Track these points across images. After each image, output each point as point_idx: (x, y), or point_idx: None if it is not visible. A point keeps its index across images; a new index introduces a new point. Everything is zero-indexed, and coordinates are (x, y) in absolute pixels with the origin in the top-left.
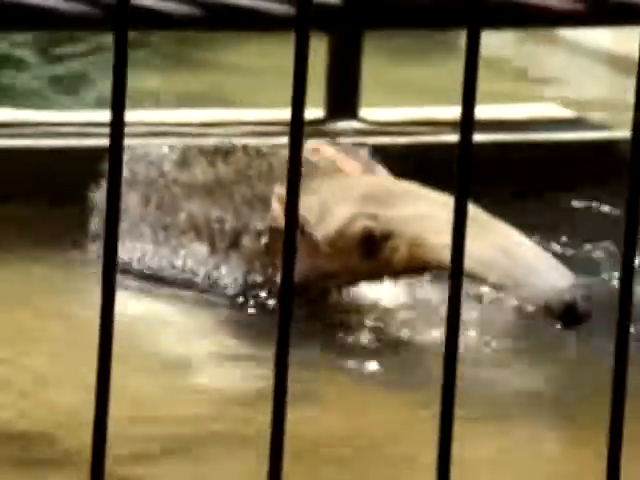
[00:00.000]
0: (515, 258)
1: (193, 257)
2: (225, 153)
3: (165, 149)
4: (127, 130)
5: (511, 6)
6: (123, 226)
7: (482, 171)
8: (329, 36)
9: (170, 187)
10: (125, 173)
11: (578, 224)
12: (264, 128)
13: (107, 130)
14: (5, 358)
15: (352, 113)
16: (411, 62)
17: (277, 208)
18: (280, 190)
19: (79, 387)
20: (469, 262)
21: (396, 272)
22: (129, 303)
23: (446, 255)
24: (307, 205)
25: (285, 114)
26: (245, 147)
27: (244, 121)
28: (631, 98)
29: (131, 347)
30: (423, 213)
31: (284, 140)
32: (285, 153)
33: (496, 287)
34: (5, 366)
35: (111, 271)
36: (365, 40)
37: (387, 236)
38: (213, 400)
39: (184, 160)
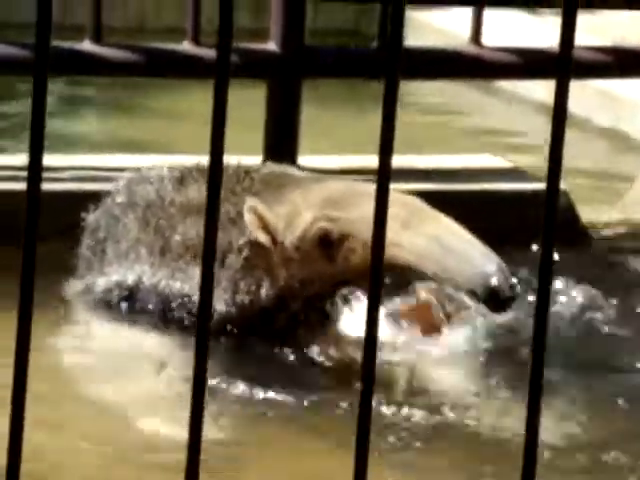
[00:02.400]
0: (447, 247)
1: (188, 280)
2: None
3: (165, 170)
4: (58, 175)
5: (447, 56)
6: (122, 247)
7: None
8: (268, 83)
9: (166, 209)
10: (124, 196)
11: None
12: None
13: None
14: None
15: (291, 160)
16: (348, 111)
17: (250, 219)
18: (252, 202)
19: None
20: (405, 254)
21: (358, 275)
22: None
23: (394, 253)
24: (278, 214)
25: (223, 159)
26: (237, 166)
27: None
28: (567, 149)
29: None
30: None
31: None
32: (266, 170)
33: (432, 277)
34: None
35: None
36: (305, 87)
37: (344, 238)
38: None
39: (181, 180)
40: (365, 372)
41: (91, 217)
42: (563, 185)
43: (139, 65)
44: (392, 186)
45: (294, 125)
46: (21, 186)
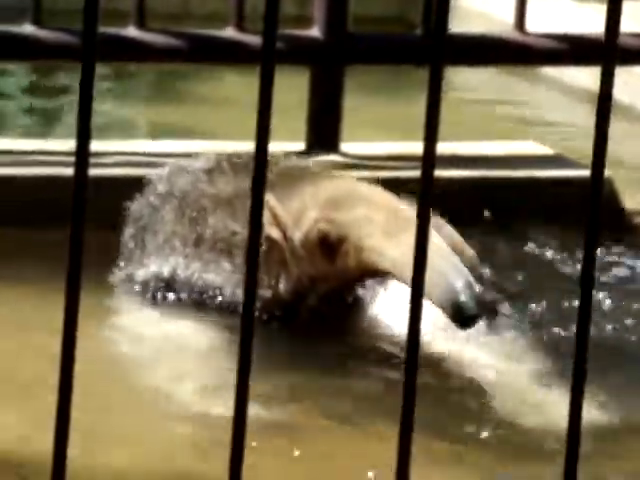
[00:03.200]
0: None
1: (220, 272)
2: (246, 164)
3: (201, 161)
4: (105, 160)
5: (491, 43)
6: (159, 238)
7: (463, 206)
8: (312, 70)
9: (199, 200)
10: (163, 186)
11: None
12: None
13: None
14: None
15: (333, 146)
16: (393, 97)
17: (266, 216)
18: (265, 197)
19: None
20: (386, 262)
21: (357, 276)
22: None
23: (375, 259)
24: (289, 209)
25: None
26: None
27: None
28: (611, 136)
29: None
30: (365, 216)
31: None
32: (285, 163)
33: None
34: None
35: (74, 305)
36: (348, 75)
37: (342, 239)
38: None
39: (212, 171)
40: (409, 360)
41: (134, 206)
42: (607, 172)
43: (183, 51)
44: (436, 172)
45: (337, 111)
46: (68, 172)
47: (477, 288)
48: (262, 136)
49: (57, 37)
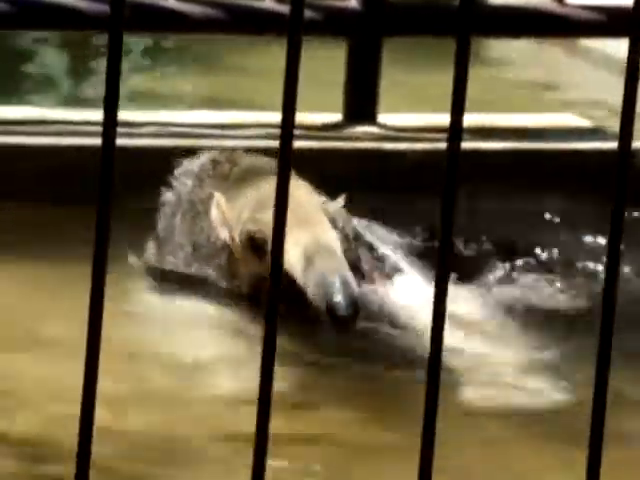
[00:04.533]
0: (310, 259)
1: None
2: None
3: (200, 160)
4: (147, 130)
5: (528, 14)
6: (175, 232)
7: (498, 178)
8: (349, 41)
9: (194, 203)
10: (181, 181)
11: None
12: (276, 131)
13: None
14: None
15: (370, 118)
16: (431, 69)
17: (214, 214)
18: (217, 196)
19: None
20: (285, 260)
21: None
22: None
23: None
24: (233, 210)
25: (301, 117)
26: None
27: (263, 123)
28: None
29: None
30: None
31: (299, 143)
32: (246, 162)
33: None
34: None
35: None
36: (385, 46)
37: (266, 239)
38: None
39: (200, 176)
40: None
41: (167, 194)
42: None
43: (221, 22)
44: (464, 145)
45: (374, 83)
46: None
47: (355, 289)
48: (289, 108)
49: (87, 6)
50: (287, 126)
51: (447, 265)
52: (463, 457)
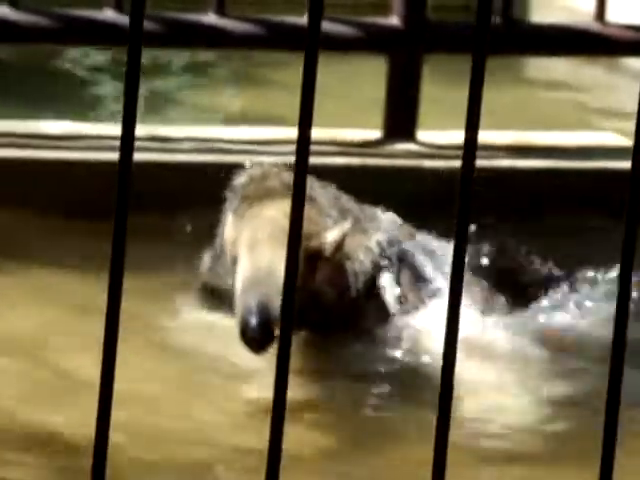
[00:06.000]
0: (243, 279)
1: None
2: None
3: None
4: (181, 146)
5: (571, 33)
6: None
7: (536, 196)
8: (389, 58)
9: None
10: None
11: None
12: (318, 147)
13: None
14: None
15: (409, 135)
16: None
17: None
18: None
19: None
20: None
21: None
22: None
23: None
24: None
25: (340, 134)
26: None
27: (293, 140)
28: None
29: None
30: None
31: (337, 160)
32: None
33: None
34: None
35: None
36: (425, 63)
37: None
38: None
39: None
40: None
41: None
42: None
43: (262, 38)
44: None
45: (414, 100)
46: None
47: (274, 312)
48: (305, 123)
49: (106, 18)
50: (303, 141)
51: (459, 290)
52: None
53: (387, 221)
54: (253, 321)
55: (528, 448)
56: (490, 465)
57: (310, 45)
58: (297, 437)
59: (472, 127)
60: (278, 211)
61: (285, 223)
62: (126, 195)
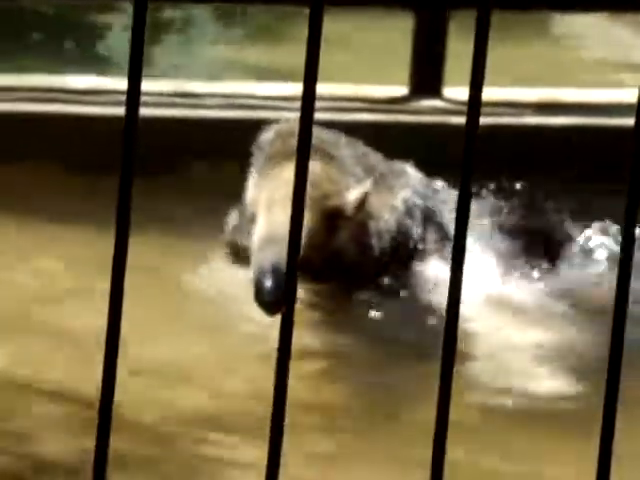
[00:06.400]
0: (259, 239)
1: None
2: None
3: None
4: (202, 101)
5: None
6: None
7: (560, 153)
8: (416, 14)
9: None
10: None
11: None
12: (345, 104)
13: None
14: None
15: (436, 92)
16: (497, 43)
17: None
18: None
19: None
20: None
21: None
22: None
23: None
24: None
25: (367, 90)
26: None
27: (321, 96)
28: None
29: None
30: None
31: (364, 116)
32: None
33: None
34: None
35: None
36: (451, 19)
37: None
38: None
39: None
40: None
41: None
42: None
43: None
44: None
45: (440, 56)
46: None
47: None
48: (310, 78)
49: None
50: (308, 97)
51: (463, 247)
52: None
53: (414, 178)
54: (267, 284)
55: (534, 411)
56: (497, 424)
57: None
58: (308, 387)
59: (476, 85)
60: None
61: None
62: (132, 150)
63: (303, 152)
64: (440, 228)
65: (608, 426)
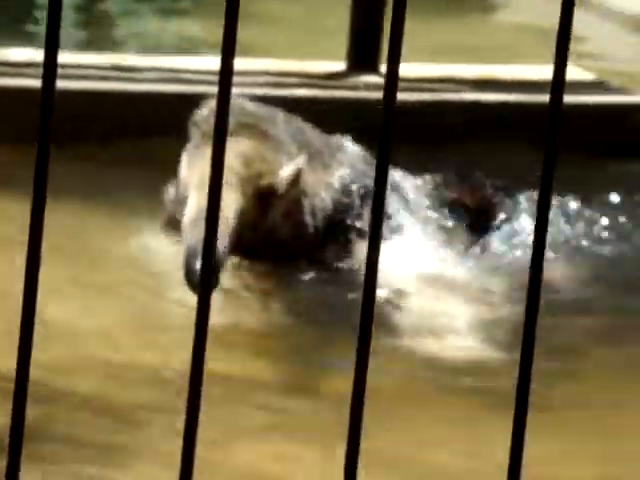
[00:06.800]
0: (188, 219)
1: None
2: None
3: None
4: (147, 75)
5: None
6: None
7: (493, 129)
8: None
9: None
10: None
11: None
12: (283, 79)
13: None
14: None
15: (373, 67)
16: (436, 18)
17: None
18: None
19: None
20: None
21: None
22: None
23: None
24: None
25: (305, 65)
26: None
27: (262, 71)
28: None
29: None
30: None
31: (302, 92)
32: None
33: None
34: None
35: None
36: None
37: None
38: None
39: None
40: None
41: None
42: None
43: None
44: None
45: (378, 32)
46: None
47: (219, 259)
48: (228, 52)
49: None
50: (226, 72)
51: (380, 222)
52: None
53: (354, 155)
54: (196, 265)
55: (457, 384)
56: (422, 396)
57: None
58: (234, 362)
59: (394, 60)
60: (229, 151)
61: (234, 164)
62: (48, 123)
63: (221, 130)
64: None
65: (522, 398)
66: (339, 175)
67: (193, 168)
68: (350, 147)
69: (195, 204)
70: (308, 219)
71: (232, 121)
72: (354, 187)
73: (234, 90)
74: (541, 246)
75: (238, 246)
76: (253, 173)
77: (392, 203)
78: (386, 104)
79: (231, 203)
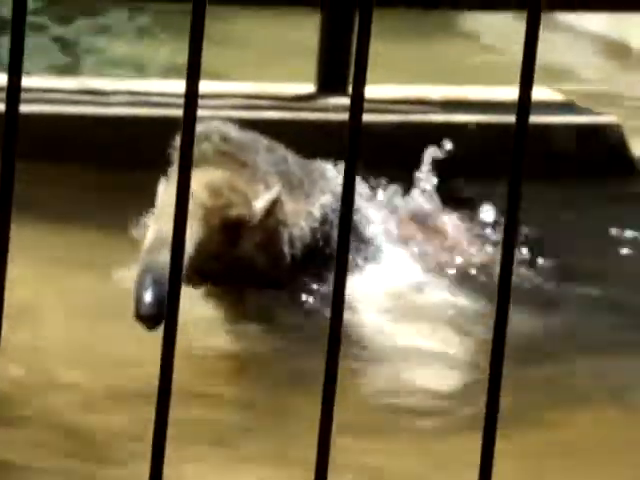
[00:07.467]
0: (145, 249)
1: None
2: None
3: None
4: (114, 99)
5: None
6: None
7: (470, 151)
8: (322, 12)
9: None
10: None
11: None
12: (252, 101)
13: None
14: None
15: (342, 89)
16: (404, 40)
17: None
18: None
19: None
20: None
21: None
22: None
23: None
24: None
25: (274, 88)
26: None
27: (231, 93)
28: (621, 85)
29: None
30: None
31: (270, 114)
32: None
33: None
34: None
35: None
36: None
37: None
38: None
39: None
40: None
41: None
42: (615, 118)
43: None
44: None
45: (347, 54)
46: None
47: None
48: (193, 75)
49: None
50: (192, 95)
51: (347, 239)
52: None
53: (336, 181)
54: (146, 298)
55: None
56: (387, 420)
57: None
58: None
59: (359, 83)
60: (195, 181)
61: (198, 194)
62: (13, 146)
63: (186, 155)
64: (356, 232)
65: (491, 419)
66: (320, 204)
67: (162, 196)
68: (332, 173)
69: (151, 235)
70: (286, 249)
71: (210, 148)
72: (336, 215)
73: (205, 113)
74: (508, 270)
75: (202, 276)
76: (220, 203)
77: (370, 229)
78: (351, 126)
79: (190, 235)
